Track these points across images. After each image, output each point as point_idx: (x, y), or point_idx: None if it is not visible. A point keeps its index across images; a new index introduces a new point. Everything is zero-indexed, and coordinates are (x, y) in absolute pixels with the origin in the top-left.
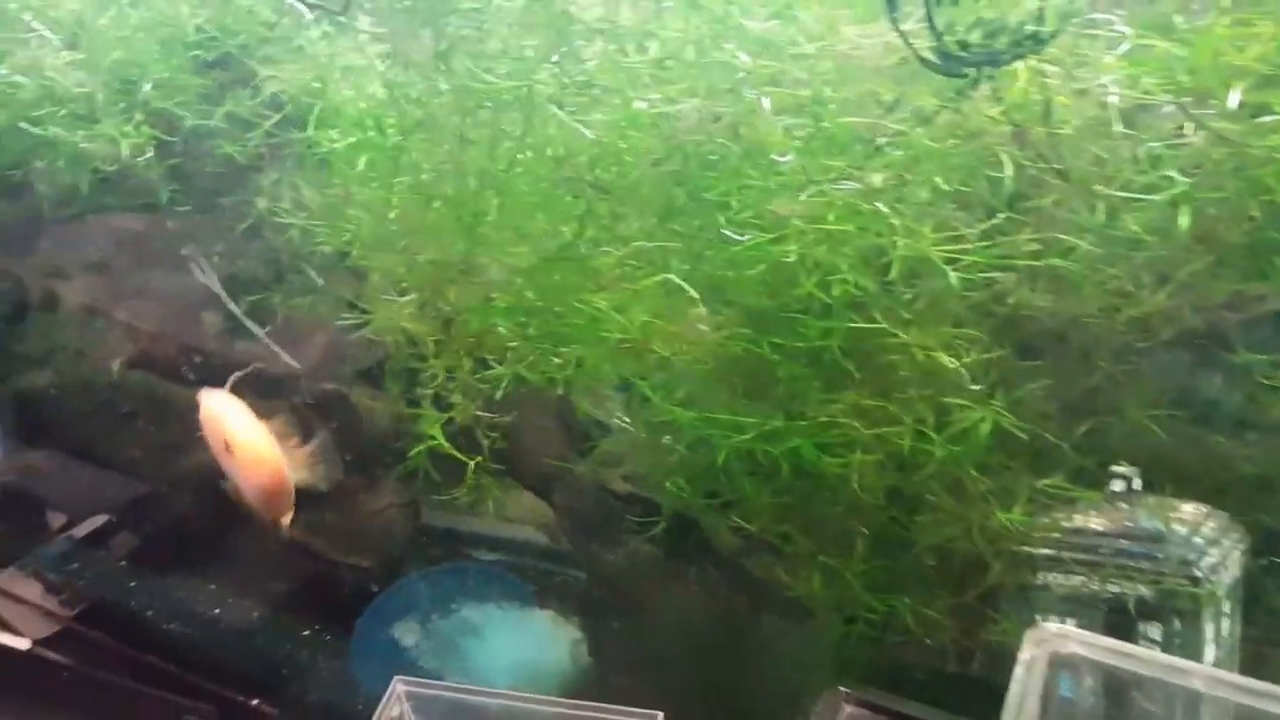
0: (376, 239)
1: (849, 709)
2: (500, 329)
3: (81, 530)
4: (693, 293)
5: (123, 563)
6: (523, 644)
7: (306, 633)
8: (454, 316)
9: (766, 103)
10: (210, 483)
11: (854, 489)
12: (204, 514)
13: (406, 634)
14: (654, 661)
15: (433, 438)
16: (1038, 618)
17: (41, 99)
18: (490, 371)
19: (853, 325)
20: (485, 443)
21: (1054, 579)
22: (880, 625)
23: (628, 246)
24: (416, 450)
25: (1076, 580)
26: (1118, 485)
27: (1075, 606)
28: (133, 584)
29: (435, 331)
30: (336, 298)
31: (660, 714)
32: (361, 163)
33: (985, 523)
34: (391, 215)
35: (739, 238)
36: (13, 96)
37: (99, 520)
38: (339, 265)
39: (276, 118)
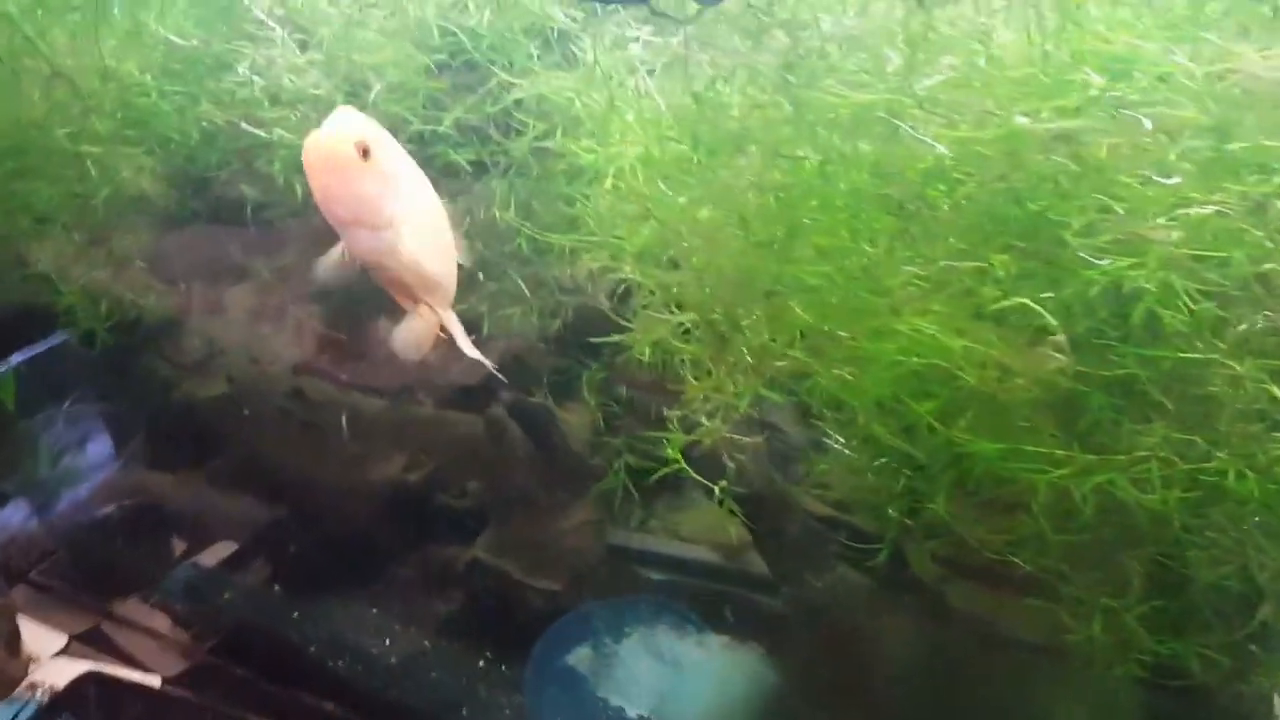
0: (651, 253)
1: None
2: (791, 351)
3: (211, 556)
4: (1051, 320)
5: (266, 589)
6: (709, 675)
7: (481, 663)
8: (730, 336)
9: (1148, 123)
10: (380, 499)
11: (1171, 528)
12: (370, 533)
13: (585, 662)
14: (863, 697)
15: (675, 460)
16: None
17: (263, 99)
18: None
19: (1182, 355)
20: (731, 465)
21: None
22: (1155, 669)
23: (934, 266)
24: (657, 473)
25: None
26: None
27: None
28: (280, 612)
29: (708, 351)
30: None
31: None
32: (638, 175)
33: (1262, 558)
34: (681, 229)
35: (1097, 261)
36: (233, 95)
37: (230, 546)
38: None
39: (538, 126)
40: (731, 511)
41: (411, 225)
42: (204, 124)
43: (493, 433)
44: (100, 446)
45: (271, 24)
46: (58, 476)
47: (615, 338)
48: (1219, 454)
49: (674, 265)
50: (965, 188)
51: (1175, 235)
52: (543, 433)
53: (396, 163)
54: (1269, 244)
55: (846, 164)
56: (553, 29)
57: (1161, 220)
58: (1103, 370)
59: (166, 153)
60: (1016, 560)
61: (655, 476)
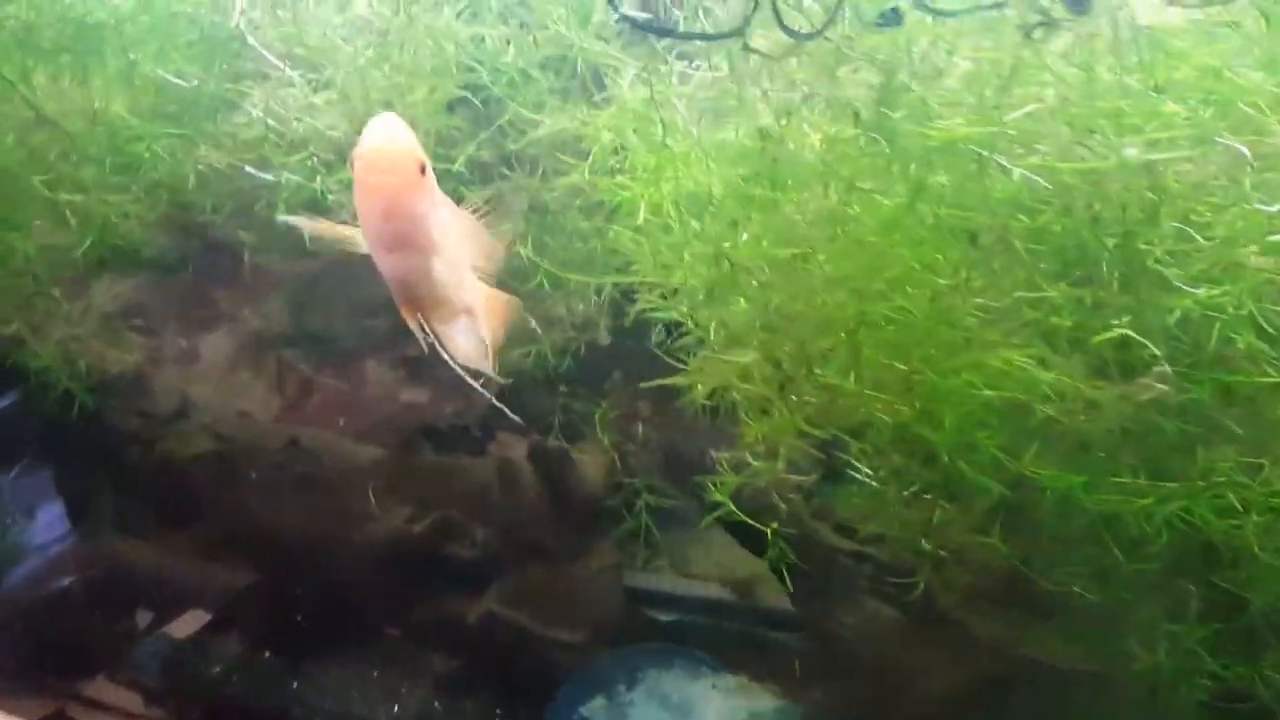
0: (712, 292)
1: None
2: (869, 390)
3: (190, 625)
4: (1155, 349)
5: (257, 657)
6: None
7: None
8: (794, 376)
9: (1246, 150)
10: (384, 552)
11: (1245, 552)
12: (373, 589)
13: (600, 713)
14: None
15: (721, 503)
16: None
17: (266, 141)
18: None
19: (1252, 380)
20: (783, 507)
21: None
22: (1220, 694)
23: (1011, 297)
24: (706, 519)
25: None
26: None
27: None
28: (275, 682)
29: (770, 391)
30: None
31: None
32: (690, 211)
33: None
34: (751, 267)
35: (1192, 290)
36: (235, 138)
37: (208, 614)
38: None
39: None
40: (781, 552)
41: (446, 251)
42: (199, 167)
43: (505, 478)
44: (57, 514)
45: (277, 61)
46: (7, 548)
47: (670, 380)
48: None
49: (736, 303)
50: (1044, 217)
51: (1270, 261)
52: (559, 476)
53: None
54: None
55: (928, 197)
56: (583, 63)
57: (1254, 247)
58: (1179, 398)
59: (154, 199)
60: (1080, 591)
61: (708, 521)
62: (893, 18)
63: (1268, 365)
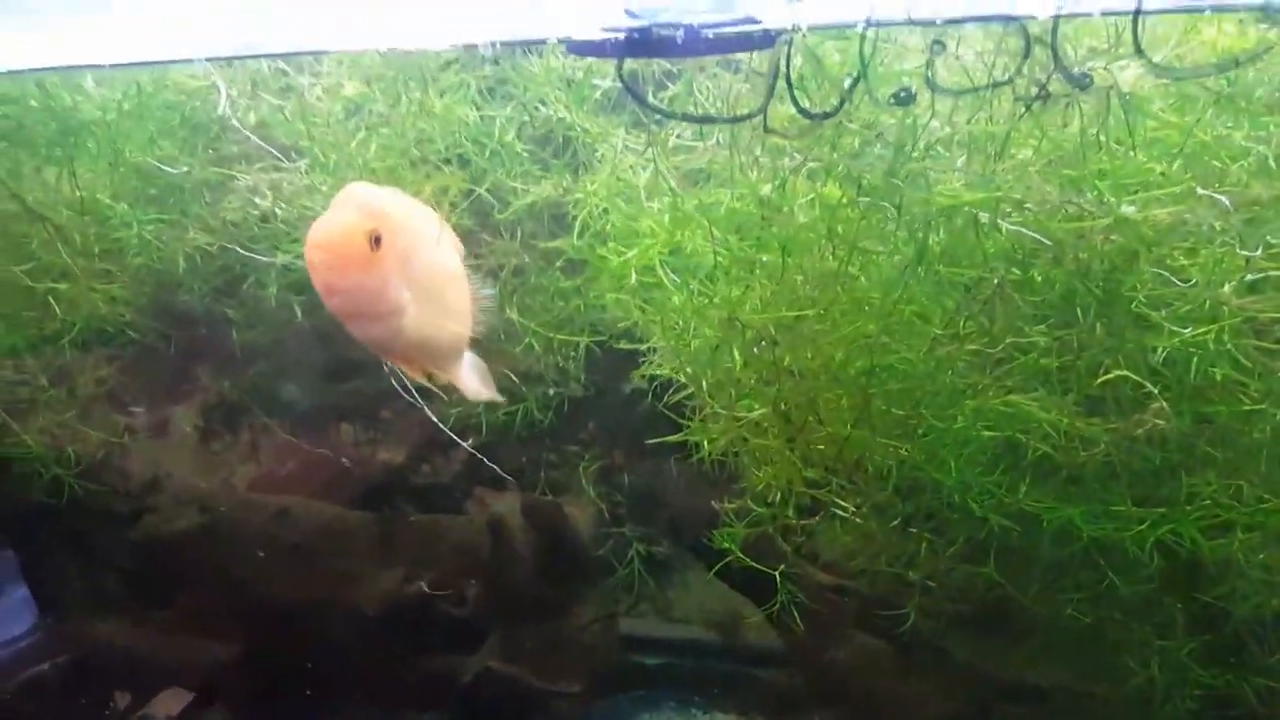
0: (718, 351)
1: None
2: (872, 438)
3: (174, 703)
4: (1150, 386)
5: None
6: None
7: None
8: (803, 427)
9: (1227, 202)
10: (376, 616)
11: (1230, 568)
12: (366, 653)
13: None
14: None
15: (728, 550)
16: None
17: (255, 223)
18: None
19: (1236, 409)
20: (788, 549)
21: None
22: (1210, 701)
23: (1004, 344)
24: (716, 566)
25: None
26: None
27: None
28: None
29: (778, 444)
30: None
31: None
32: (685, 276)
33: None
34: (755, 329)
35: (1181, 331)
36: (224, 221)
37: (190, 690)
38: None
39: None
40: (790, 593)
41: (419, 305)
42: (187, 250)
43: (495, 533)
44: (36, 597)
45: (265, 145)
46: None
47: (678, 437)
48: (1267, 498)
49: (742, 361)
50: (1035, 268)
51: (1248, 300)
52: (553, 529)
53: (410, 237)
54: None
55: (928, 255)
56: (572, 137)
57: (1229, 287)
58: (1160, 429)
59: (139, 283)
60: (1075, 614)
61: (716, 568)
62: (906, 97)
63: (1242, 394)
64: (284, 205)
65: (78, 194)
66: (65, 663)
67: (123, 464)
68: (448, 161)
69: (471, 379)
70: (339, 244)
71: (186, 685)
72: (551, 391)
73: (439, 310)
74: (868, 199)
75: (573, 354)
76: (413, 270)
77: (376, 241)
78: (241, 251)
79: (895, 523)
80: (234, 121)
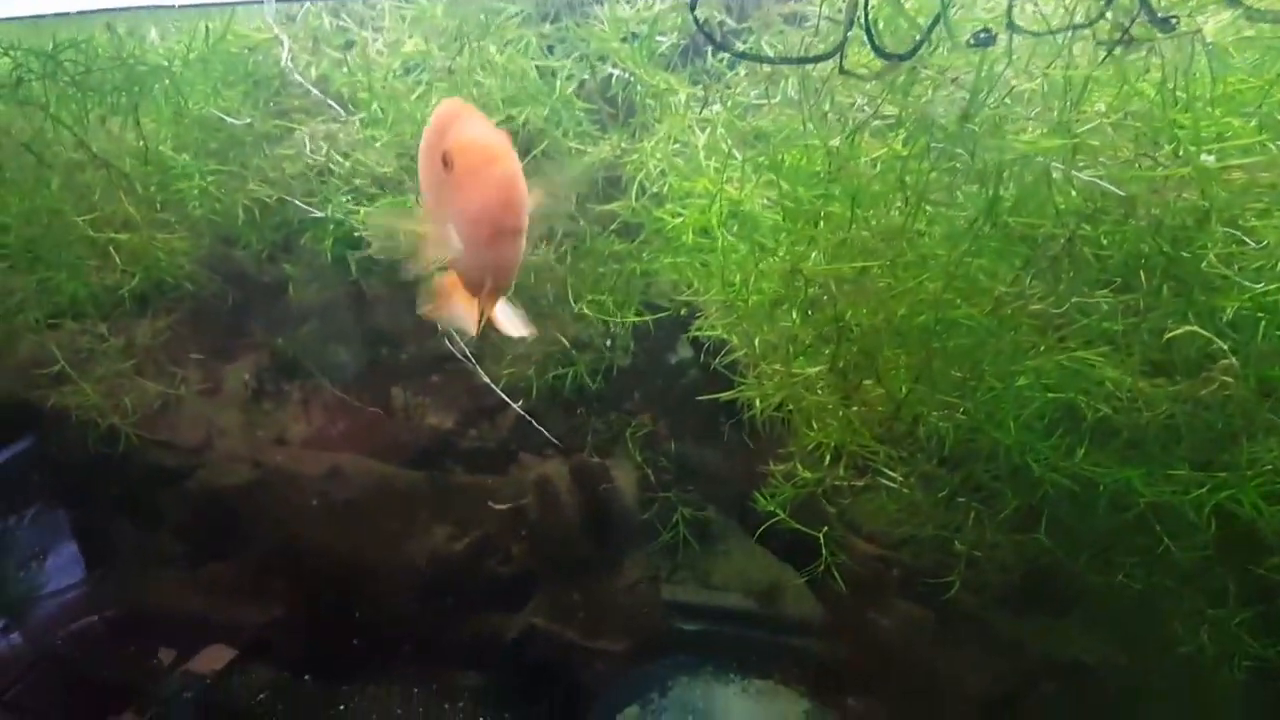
0: (778, 307)
1: None
2: (933, 396)
3: (205, 664)
4: (1222, 345)
5: (297, 683)
6: None
7: None
8: (858, 385)
9: None
10: (424, 573)
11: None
12: (414, 609)
13: None
14: None
15: (774, 512)
16: None
17: (313, 175)
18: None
19: None
20: (832, 510)
21: None
22: (1260, 674)
23: (1066, 304)
24: (761, 529)
25: None
26: None
27: None
28: (316, 706)
29: (832, 401)
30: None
31: None
32: (750, 229)
33: None
34: (819, 283)
35: (1252, 286)
36: (283, 172)
37: (225, 651)
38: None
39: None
40: (832, 555)
41: None
42: (246, 203)
43: (542, 494)
44: (74, 554)
45: (325, 98)
46: (27, 589)
47: (731, 394)
48: None
49: (800, 318)
50: (1104, 225)
51: None
52: (599, 491)
53: None
54: None
55: (996, 209)
56: (633, 91)
57: None
58: (1223, 393)
59: (197, 235)
60: (1126, 580)
61: (762, 529)
62: (986, 39)
63: None
64: (340, 160)
65: (141, 144)
66: (115, 615)
67: (177, 418)
68: (510, 118)
69: (509, 316)
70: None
71: (234, 640)
72: (607, 349)
73: None
74: (941, 145)
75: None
76: None
77: None
78: (300, 205)
79: (943, 494)
80: (296, 75)
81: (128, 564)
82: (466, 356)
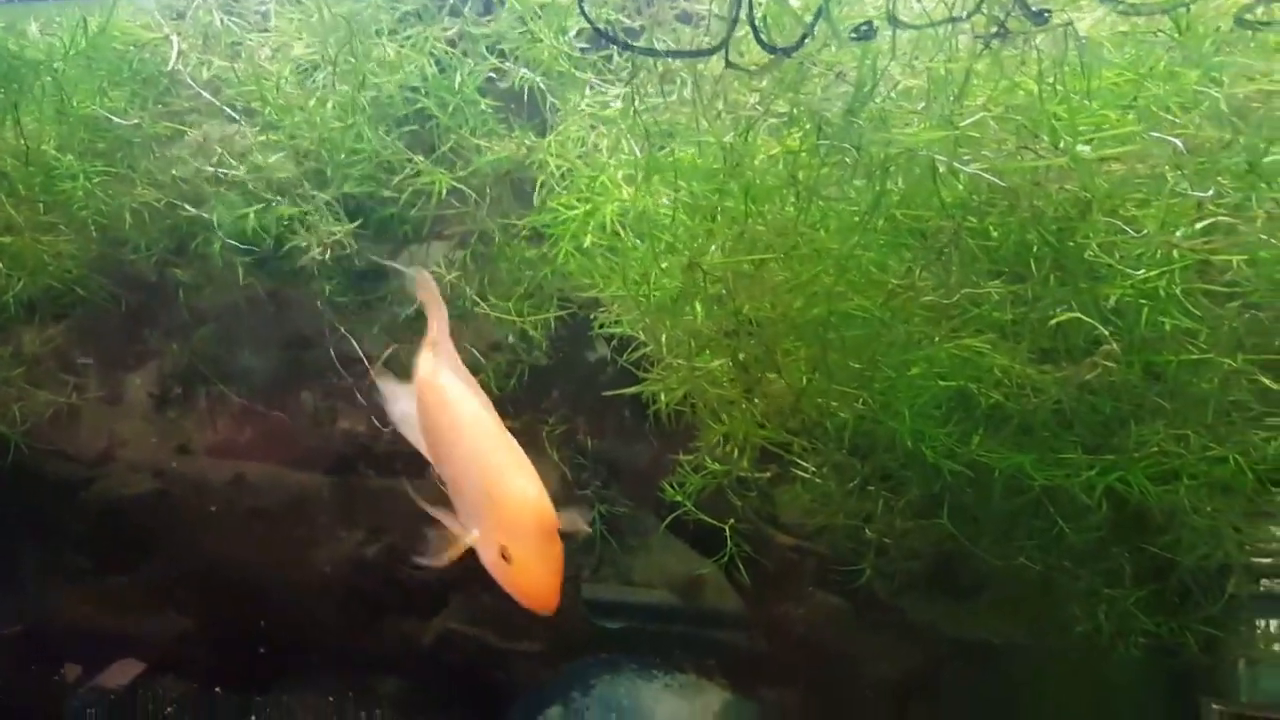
0: (679, 302)
1: None
2: (834, 384)
3: (113, 680)
4: (1104, 330)
5: (206, 694)
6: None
7: None
8: (760, 378)
9: (1180, 144)
10: (334, 579)
11: (1182, 515)
12: (325, 616)
13: None
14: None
15: (682, 503)
16: (1260, 623)
17: (203, 180)
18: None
19: (1182, 358)
20: (744, 503)
21: (1276, 584)
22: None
23: (961, 293)
24: (666, 520)
25: None
26: None
27: None
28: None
29: (734, 394)
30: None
31: None
32: (648, 226)
33: (1243, 538)
34: (717, 277)
35: (1134, 272)
36: (172, 177)
37: (134, 665)
38: None
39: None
40: (738, 548)
41: None
42: (134, 206)
43: None
44: None
45: (216, 101)
46: None
47: (637, 389)
48: (1213, 446)
49: (701, 312)
50: (990, 218)
51: (1199, 243)
52: None
53: None
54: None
55: (885, 203)
56: (533, 88)
57: (1180, 234)
58: (1109, 378)
59: (86, 239)
60: (1026, 562)
61: (668, 521)
62: (867, 32)
63: (1190, 345)
64: (234, 164)
65: (22, 143)
66: (14, 634)
67: (74, 428)
68: (407, 119)
69: None
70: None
71: (142, 654)
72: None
73: None
74: (829, 140)
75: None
76: None
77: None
78: (189, 210)
79: (853, 483)
80: (187, 77)
81: (26, 580)
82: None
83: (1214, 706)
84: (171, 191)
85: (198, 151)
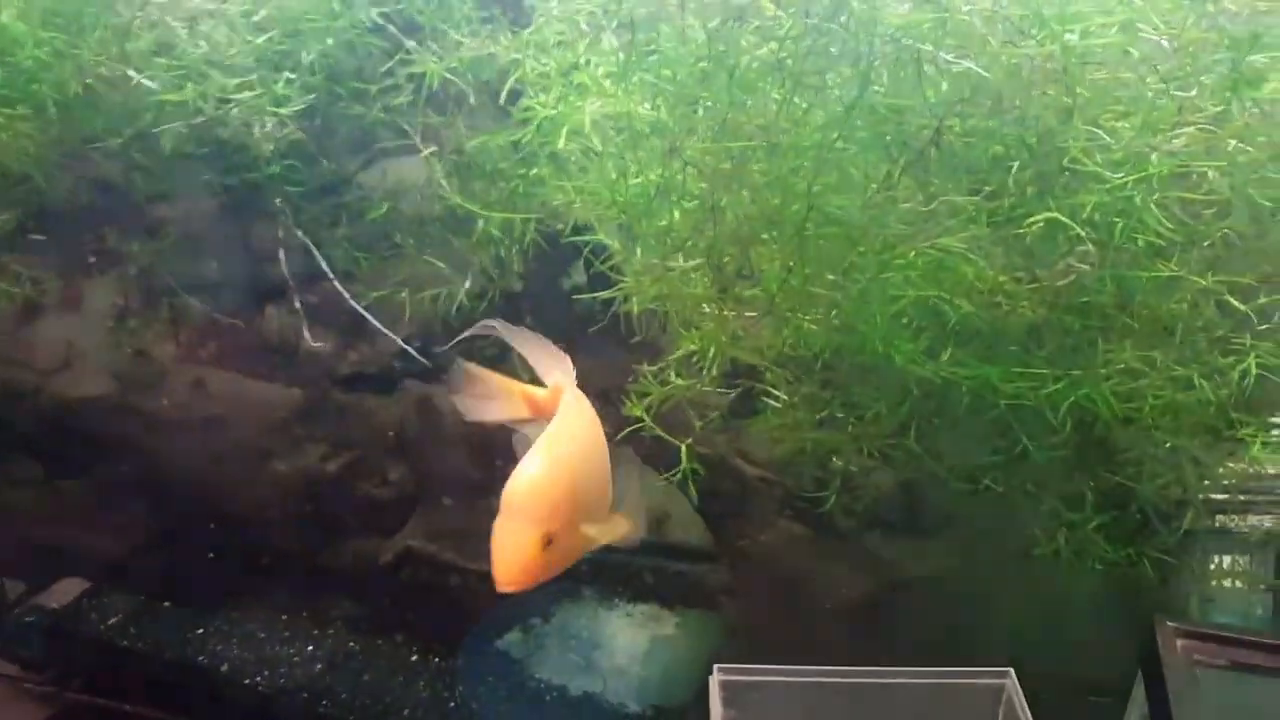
0: (656, 196)
1: (1182, 641)
2: (811, 288)
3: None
4: (1079, 230)
5: (155, 608)
6: (642, 646)
7: (415, 658)
8: (732, 283)
9: (1166, 43)
10: (293, 494)
11: (1146, 439)
12: (283, 531)
13: (517, 647)
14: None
15: (640, 419)
16: (1215, 556)
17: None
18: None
19: (1153, 275)
20: (699, 424)
21: (1233, 519)
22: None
23: (933, 203)
24: (622, 433)
25: (1254, 519)
26: None
27: (1246, 543)
28: (175, 632)
29: (708, 297)
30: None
31: (1010, 670)
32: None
33: (1203, 471)
34: (696, 167)
35: (1111, 176)
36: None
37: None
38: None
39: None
40: (694, 471)
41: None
42: (87, 80)
43: (424, 415)
44: None
45: None
46: None
47: (610, 292)
48: (1177, 367)
49: (678, 210)
50: (973, 120)
51: (1179, 144)
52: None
53: (576, 502)
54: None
55: (866, 100)
56: None
57: (1158, 138)
58: (1079, 296)
59: (44, 120)
60: (991, 484)
61: (623, 434)
62: None
63: (1163, 264)
64: (195, 39)
65: None
66: None
67: (30, 328)
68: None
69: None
70: (519, 572)
71: (89, 565)
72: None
73: (605, 491)
74: (815, 21)
75: (515, 243)
76: (587, 511)
77: (550, 542)
78: (146, 84)
79: (823, 413)
80: None
81: None
82: (331, 275)
83: (1168, 624)
84: (124, 64)
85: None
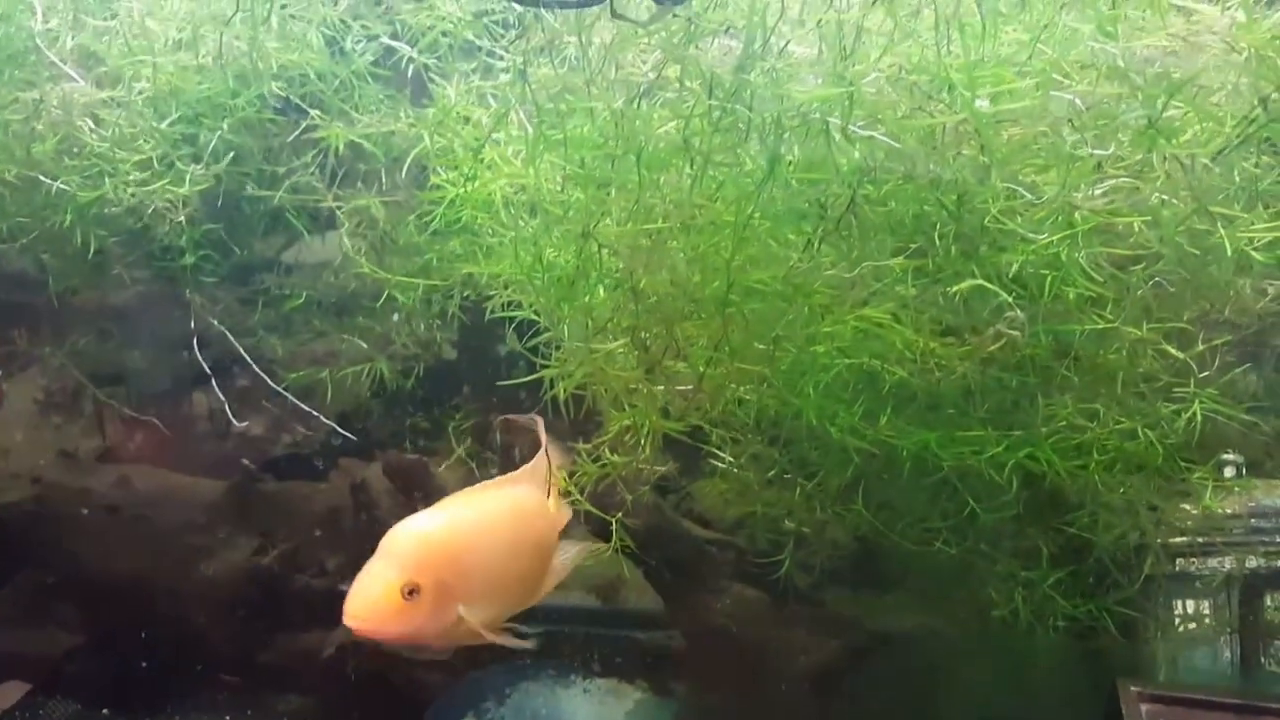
0: (575, 280)
1: (1146, 706)
2: (738, 364)
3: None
4: (1006, 297)
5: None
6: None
7: None
8: (658, 361)
9: (1080, 102)
10: (228, 591)
11: (1095, 492)
12: (220, 631)
13: None
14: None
15: (574, 495)
16: (1177, 603)
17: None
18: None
19: (1088, 326)
20: (629, 498)
21: (1191, 563)
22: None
23: (858, 268)
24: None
25: (1213, 562)
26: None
27: (1207, 587)
28: None
29: (635, 377)
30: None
31: None
32: (539, 202)
33: (1159, 517)
34: (612, 250)
35: (1036, 237)
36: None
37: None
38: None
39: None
40: (624, 543)
41: (480, 605)
42: None
43: (359, 498)
44: None
45: (77, 76)
46: None
47: (538, 375)
48: (1122, 420)
49: (598, 293)
50: (888, 185)
51: (1099, 201)
52: (420, 489)
53: (460, 568)
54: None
55: (781, 171)
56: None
57: (1080, 194)
58: (1014, 353)
59: None
60: (943, 546)
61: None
62: None
63: (1097, 315)
64: (99, 134)
65: None
66: None
67: None
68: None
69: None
70: (369, 610)
71: (23, 673)
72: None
73: (507, 589)
74: (719, 102)
75: (437, 320)
76: (467, 588)
77: (412, 593)
78: (59, 186)
79: (771, 473)
80: (44, 47)
81: None
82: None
83: (1131, 688)
84: (34, 167)
85: (36, 114)
